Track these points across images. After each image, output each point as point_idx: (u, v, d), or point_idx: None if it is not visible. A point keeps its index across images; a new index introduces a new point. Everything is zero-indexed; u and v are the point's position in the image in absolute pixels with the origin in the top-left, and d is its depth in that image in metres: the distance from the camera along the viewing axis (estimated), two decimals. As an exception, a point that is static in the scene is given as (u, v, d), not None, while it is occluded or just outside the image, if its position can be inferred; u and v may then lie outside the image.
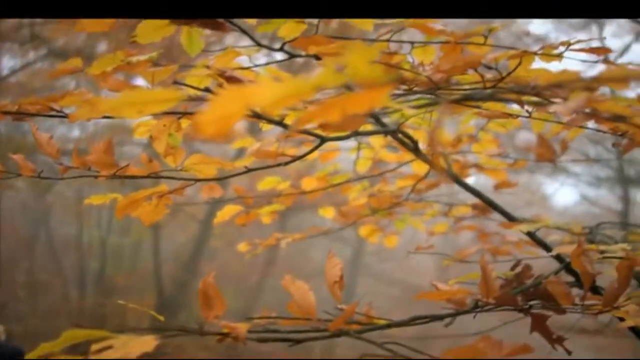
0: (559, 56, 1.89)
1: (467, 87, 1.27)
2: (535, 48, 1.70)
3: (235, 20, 1.74)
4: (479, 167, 2.94)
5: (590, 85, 0.78)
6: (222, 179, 1.80)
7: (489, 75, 1.26)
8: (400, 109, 0.84)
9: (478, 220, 3.25)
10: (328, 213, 3.10)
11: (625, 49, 8.57)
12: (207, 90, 1.51)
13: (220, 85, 1.42)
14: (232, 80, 1.40)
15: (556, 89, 0.89)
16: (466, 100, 1.12)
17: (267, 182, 2.81)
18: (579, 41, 1.82)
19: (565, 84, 0.81)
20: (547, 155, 2.31)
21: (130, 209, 1.77)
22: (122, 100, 0.92)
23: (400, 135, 2.17)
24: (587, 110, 1.00)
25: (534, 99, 1.15)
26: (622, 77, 0.74)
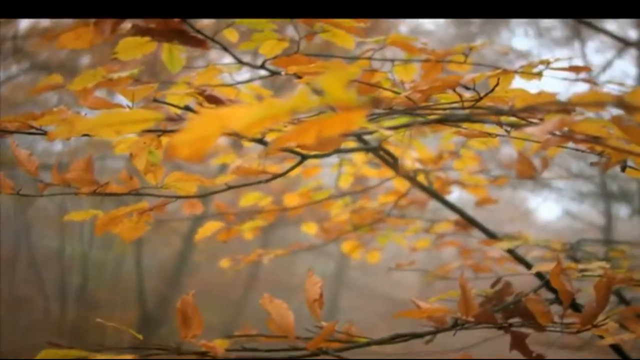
0: (539, 75, 1.91)
1: (445, 106, 1.28)
2: (518, 64, 1.72)
3: (217, 37, 1.74)
4: (460, 184, 2.96)
5: (565, 107, 0.79)
6: (202, 197, 1.80)
7: (467, 94, 1.27)
8: (376, 130, 0.85)
9: (460, 236, 3.26)
10: (310, 229, 3.10)
11: (607, 65, 8.64)
12: (187, 108, 1.51)
13: (200, 104, 1.42)
14: (212, 99, 1.40)
15: (532, 111, 0.90)
16: (443, 121, 1.13)
17: (249, 198, 2.81)
18: (558, 59, 1.84)
19: (540, 107, 0.82)
20: (528, 172, 2.31)
21: (111, 225, 1.77)
22: (100, 121, 0.92)
23: (381, 152, 2.18)
24: (565, 129, 1.01)
25: (512, 118, 1.16)
26: (595, 102, 0.75)
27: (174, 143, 0.71)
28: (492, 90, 1.16)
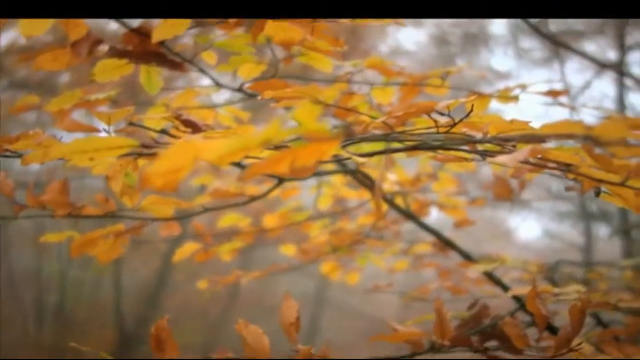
0: (515, 98, 1.93)
1: (421, 132, 1.28)
2: (497, 85, 1.74)
3: (195, 59, 1.74)
4: (439, 205, 2.97)
5: (536, 138, 0.80)
6: (179, 219, 1.80)
7: (443, 119, 1.27)
8: (350, 157, 0.86)
9: (439, 257, 3.26)
10: (289, 250, 3.09)
11: (586, 86, 8.70)
12: (163, 132, 1.51)
13: (177, 128, 1.42)
14: (188, 123, 1.40)
15: (504, 141, 0.91)
16: (417, 149, 1.13)
17: (228, 219, 2.80)
18: (534, 84, 1.86)
19: (512, 137, 0.83)
20: (505, 195, 2.34)
21: (87, 247, 1.76)
22: (74, 147, 0.92)
23: (358, 175, 2.19)
24: (539, 156, 1.02)
25: (487, 144, 1.17)
26: (566, 133, 0.76)
27: (148, 173, 0.71)
28: (467, 115, 1.17)
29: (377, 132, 1.36)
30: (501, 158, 0.82)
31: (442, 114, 1.22)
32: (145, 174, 0.70)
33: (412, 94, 1.98)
